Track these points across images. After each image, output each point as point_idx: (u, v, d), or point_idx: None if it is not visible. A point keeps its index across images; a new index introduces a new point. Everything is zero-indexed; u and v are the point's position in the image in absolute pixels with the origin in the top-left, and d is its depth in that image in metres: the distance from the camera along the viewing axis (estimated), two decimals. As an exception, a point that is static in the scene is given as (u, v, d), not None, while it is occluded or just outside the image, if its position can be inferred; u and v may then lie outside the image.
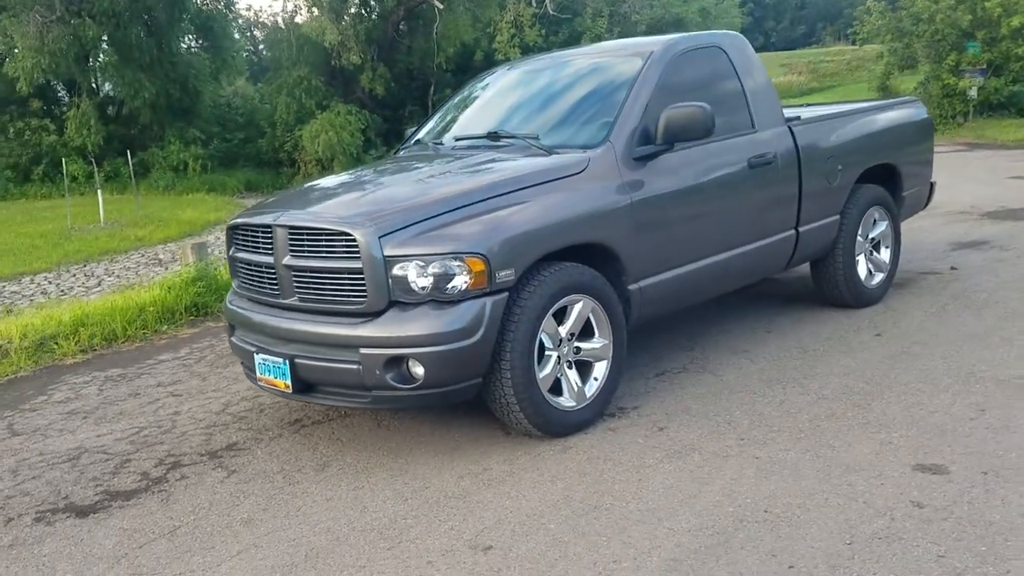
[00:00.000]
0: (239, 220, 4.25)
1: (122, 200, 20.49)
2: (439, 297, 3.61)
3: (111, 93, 26.08)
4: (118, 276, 11.26)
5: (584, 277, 3.97)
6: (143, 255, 13.20)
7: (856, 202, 5.61)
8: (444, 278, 3.58)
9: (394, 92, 25.18)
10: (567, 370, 4.02)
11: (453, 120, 5.22)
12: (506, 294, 3.69)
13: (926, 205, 6.56)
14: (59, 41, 21.86)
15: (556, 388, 4.00)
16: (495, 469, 3.71)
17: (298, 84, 24.80)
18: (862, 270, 5.78)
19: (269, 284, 4.04)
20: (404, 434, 4.19)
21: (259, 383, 4.08)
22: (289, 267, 3.89)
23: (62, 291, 10.39)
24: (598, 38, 25.30)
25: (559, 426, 3.95)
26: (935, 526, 2.96)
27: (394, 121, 25.48)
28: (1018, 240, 7.61)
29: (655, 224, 4.29)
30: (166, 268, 11.11)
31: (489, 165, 4.25)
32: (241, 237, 4.24)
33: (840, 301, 5.75)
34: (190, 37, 27.52)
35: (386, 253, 3.59)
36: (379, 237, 3.60)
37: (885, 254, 5.98)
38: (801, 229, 5.21)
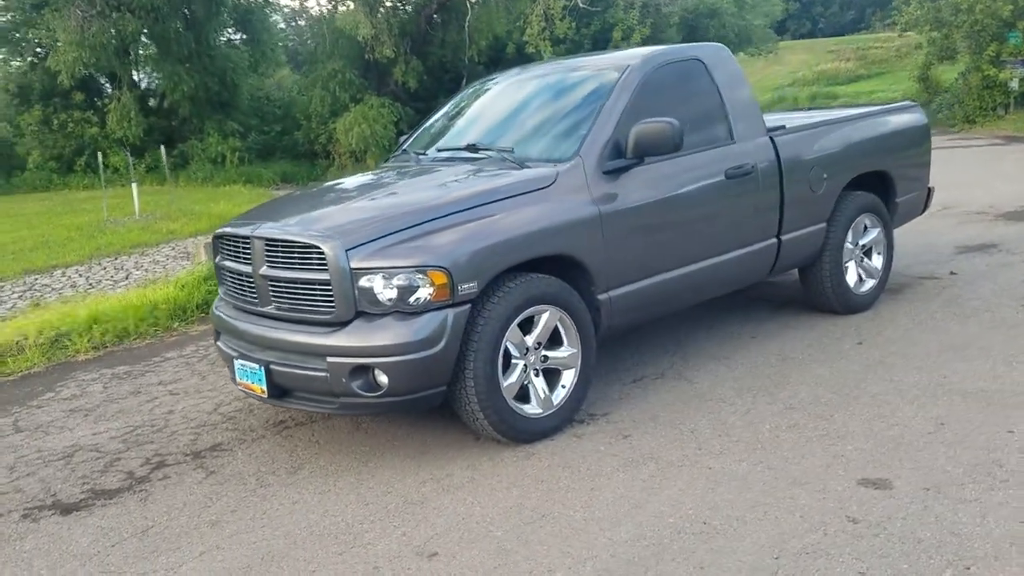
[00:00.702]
0: (223, 230, 4.43)
1: (161, 192, 20.93)
2: (403, 308, 3.75)
3: (151, 86, 26.60)
4: (146, 270, 11.56)
5: (551, 288, 4.09)
6: (173, 248, 13.51)
7: (844, 209, 5.63)
8: (408, 290, 3.73)
9: (427, 85, 25.36)
10: (534, 378, 4.14)
11: (439, 131, 5.35)
12: (469, 306, 3.82)
13: (923, 210, 6.54)
14: (99, 35, 22.33)
15: (524, 395, 4.13)
16: (457, 475, 3.85)
17: (332, 77, 25.09)
18: (851, 277, 5.81)
19: (249, 292, 4.22)
20: (379, 437, 4.35)
21: (239, 387, 4.27)
22: (265, 277, 4.07)
23: (90, 284, 10.71)
24: (630, 31, 25.25)
25: (524, 433, 4.07)
26: (864, 542, 3.03)
27: (426, 113, 25.63)
28: (1027, 243, 7.53)
29: (625, 236, 4.38)
30: (192, 262, 11.41)
31: (460, 179, 4.37)
32: (225, 246, 4.42)
33: (828, 307, 5.79)
34: (229, 30, 27.93)
35: (352, 266, 3.74)
36: (346, 250, 3.76)
37: (877, 260, 5.99)
38: (784, 237, 5.26)
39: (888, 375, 4.63)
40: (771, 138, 5.18)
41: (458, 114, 5.43)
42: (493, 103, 5.29)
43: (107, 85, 27.01)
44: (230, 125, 25.25)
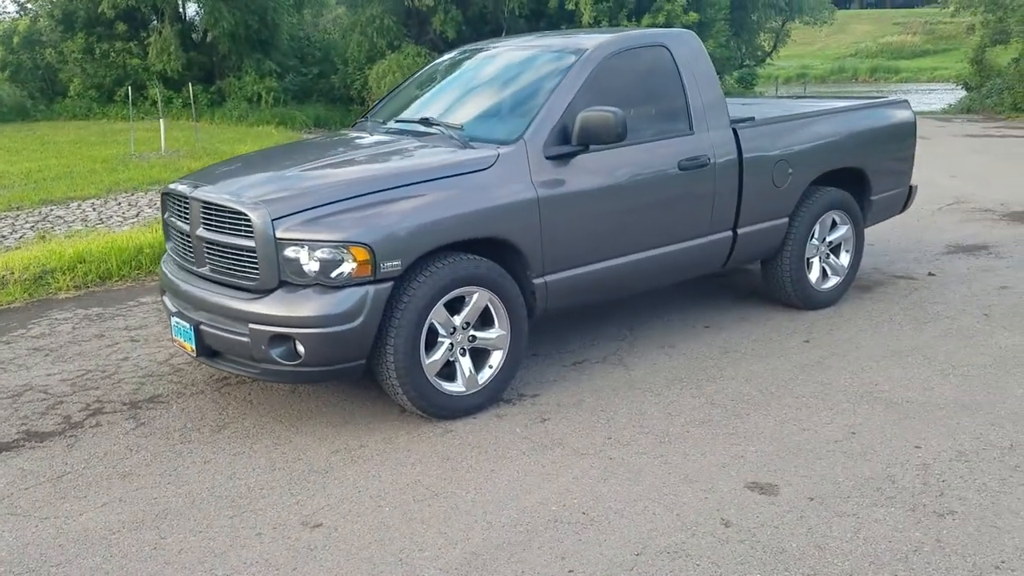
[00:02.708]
0: (169, 187, 4.53)
1: (194, 129, 21.21)
2: (325, 282, 3.84)
3: (194, 21, 26.75)
4: (157, 208, 11.81)
5: (479, 270, 4.14)
6: (190, 187, 13.77)
7: (810, 205, 5.59)
8: (330, 264, 3.81)
9: (465, 35, 25.13)
10: (460, 357, 4.22)
11: (406, 100, 5.37)
12: (391, 283, 3.90)
13: (903, 209, 6.45)
14: (143, -35, 22.52)
15: (450, 373, 4.22)
16: (370, 447, 3.97)
17: (371, 23, 25.03)
18: (814, 273, 5.78)
19: (188, 252, 4.34)
20: (310, 403, 4.47)
21: (174, 343, 4.41)
22: (201, 238, 4.18)
23: (100, 220, 10.96)
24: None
25: (445, 410, 4.17)
26: (729, 547, 3.09)
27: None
28: (1021, 248, 7.40)
29: (565, 222, 4.40)
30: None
31: (400, 155, 4.43)
32: (171, 203, 4.53)
33: (787, 302, 5.78)
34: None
35: (278, 235, 3.83)
36: (272, 220, 3.84)
37: (845, 258, 5.95)
38: (740, 231, 5.24)
39: (821, 377, 4.64)
40: (734, 130, 5.14)
41: (428, 84, 5.45)
42: (459, 76, 5.30)
43: (153, 17, 27.17)
44: (268, 64, 25.36)
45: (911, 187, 6.35)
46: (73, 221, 10.94)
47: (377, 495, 3.52)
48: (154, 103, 23.58)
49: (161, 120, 16.90)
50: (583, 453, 3.85)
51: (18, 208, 11.24)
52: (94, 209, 11.82)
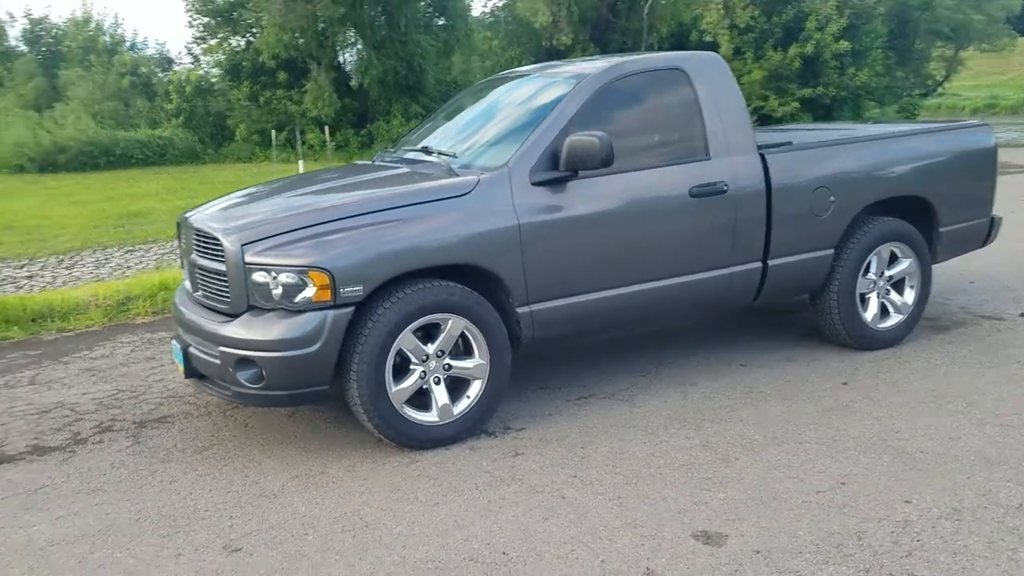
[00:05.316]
0: (181, 215, 4.72)
1: (338, 168, 22.27)
2: (288, 306, 3.85)
3: (347, 69, 28.20)
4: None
5: (452, 297, 4.04)
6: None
7: (861, 236, 5.13)
8: (293, 288, 3.83)
9: (605, 74, 25.24)
10: (434, 386, 4.12)
11: (422, 131, 5.38)
12: (352, 308, 3.87)
13: (985, 243, 5.81)
14: (300, 19, 23.99)
15: (426, 402, 4.13)
16: (330, 473, 3.92)
17: (510, 64, 25.58)
18: (870, 310, 5.29)
19: (190, 277, 4.49)
20: (300, 427, 4.48)
21: (175, 365, 4.56)
22: (194, 264, 4.32)
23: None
24: (825, 22, 23.80)
25: (413, 439, 4.07)
26: (637, 601, 2.83)
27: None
28: None
29: (552, 249, 4.24)
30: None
31: (382, 183, 4.43)
32: (181, 232, 4.71)
33: (839, 340, 5.32)
34: (427, 14, 29.00)
35: (247, 260, 3.89)
36: (242, 244, 3.91)
37: (909, 295, 5.42)
38: (772, 262, 4.89)
39: (839, 422, 4.22)
40: (762, 155, 4.81)
41: (448, 114, 5.44)
42: (472, 105, 5.26)
43: (311, 66, 28.89)
44: (414, 108, 26.31)
45: (992, 218, 5.72)
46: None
47: (309, 523, 3.46)
48: (310, 147, 24.98)
49: (301, 161, 17.80)
50: (538, 491, 3.64)
51: (153, 241, 12.00)
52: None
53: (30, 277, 8.94)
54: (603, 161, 4.11)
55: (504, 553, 3.16)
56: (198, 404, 4.90)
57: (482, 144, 4.62)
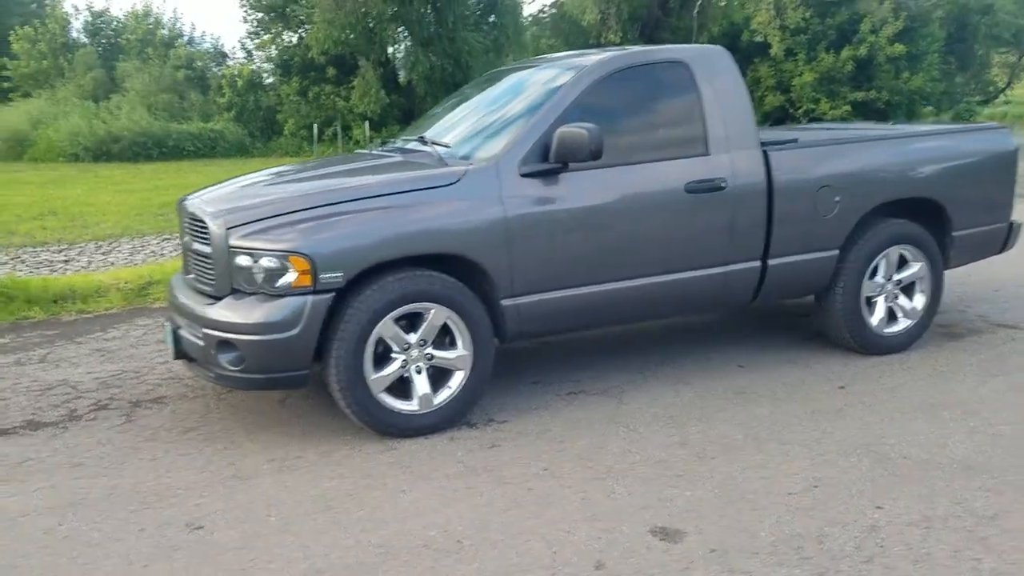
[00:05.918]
0: (181, 198, 4.79)
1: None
2: (269, 291, 3.89)
3: (395, 66, 28.40)
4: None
5: (434, 286, 4.04)
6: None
7: (868, 237, 5.01)
8: (274, 273, 3.86)
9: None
10: (415, 375, 4.12)
11: (423, 122, 5.39)
12: (332, 294, 3.89)
13: (1003, 248, 5.62)
14: (350, 15, 24.23)
15: (407, 391, 4.13)
16: (306, 457, 3.94)
17: (557, 63, 25.53)
18: (877, 314, 5.16)
19: (185, 260, 4.56)
20: (287, 412, 4.51)
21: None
22: (187, 247, 4.38)
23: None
24: (880, 24, 23.24)
25: (391, 427, 4.08)
26: (581, 595, 2.79)
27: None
28: None
29: (539, 242, 4.21)
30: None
31: (372, 171, 4.45)
32: (179, 215, 4.78)
33: (844, 344, 5.19)
34: (475, 13, 29.07)
35: (231, 244, 3.94)
36: (227, 228, 3.96)
37: (919, 300, 5.27)
38: (772, 261, 4.79)
39: (826, 425, 4.12)
40: (764, 152, 4.72)
41: (452, 105, 5.43)
42: (475, 96, 5.23)
43: (362, 63, 29.14)
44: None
45: (1011, 224, 5.54)
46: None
47: (273, 504, 3.49)
48: (356, 142, 25.20)
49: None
50: (506, 482, 3.62)
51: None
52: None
53: (67, 261, 9.14)
54: (592, 153, 4.07)
55: (458, 541, 3.14)
56: (194, 386, 4.97)
57: (476, 134, 4.60)
